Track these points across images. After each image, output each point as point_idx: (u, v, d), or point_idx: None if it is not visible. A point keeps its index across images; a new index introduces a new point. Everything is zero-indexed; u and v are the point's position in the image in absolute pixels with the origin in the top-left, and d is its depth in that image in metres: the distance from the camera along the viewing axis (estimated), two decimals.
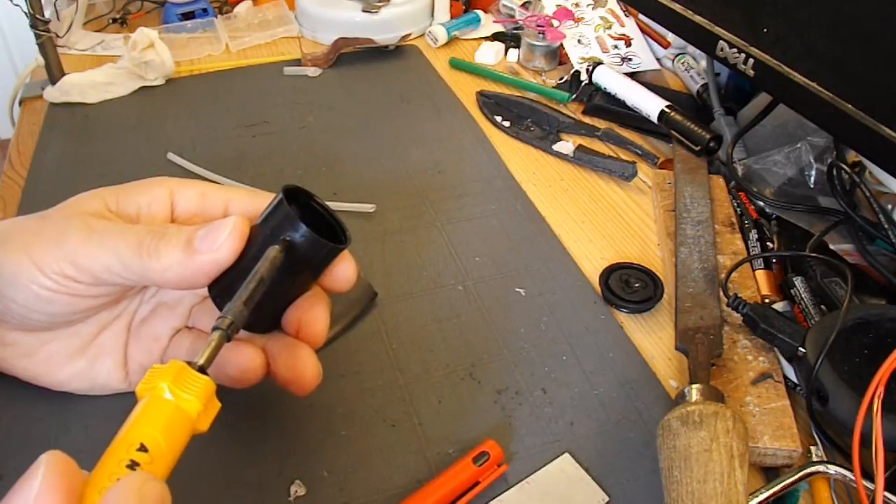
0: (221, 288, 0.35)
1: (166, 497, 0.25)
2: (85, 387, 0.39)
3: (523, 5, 0.89)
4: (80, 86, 0.72)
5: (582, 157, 0.65)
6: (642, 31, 0.84)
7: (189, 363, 0.29)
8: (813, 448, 0.40)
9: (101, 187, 0.38)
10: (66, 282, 0.34)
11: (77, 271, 0.34)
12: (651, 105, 0.67)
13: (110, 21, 0.92)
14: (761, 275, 0.51)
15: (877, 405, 0.34)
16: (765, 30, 0.50)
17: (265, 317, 0.37)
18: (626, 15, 0.85)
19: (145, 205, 0.37)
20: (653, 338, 0.48)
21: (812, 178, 0.57)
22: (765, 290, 0.50)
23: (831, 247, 0.52)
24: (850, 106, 0.44)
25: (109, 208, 0.37)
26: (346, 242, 0.36)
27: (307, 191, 0.36)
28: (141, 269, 0.33)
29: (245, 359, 0.37)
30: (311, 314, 0.37)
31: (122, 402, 0.40)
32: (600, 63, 0.75)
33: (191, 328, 0.41)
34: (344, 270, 0.37)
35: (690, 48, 0.79)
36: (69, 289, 0.34)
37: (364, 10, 0.86)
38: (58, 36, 0.76)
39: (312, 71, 0.79)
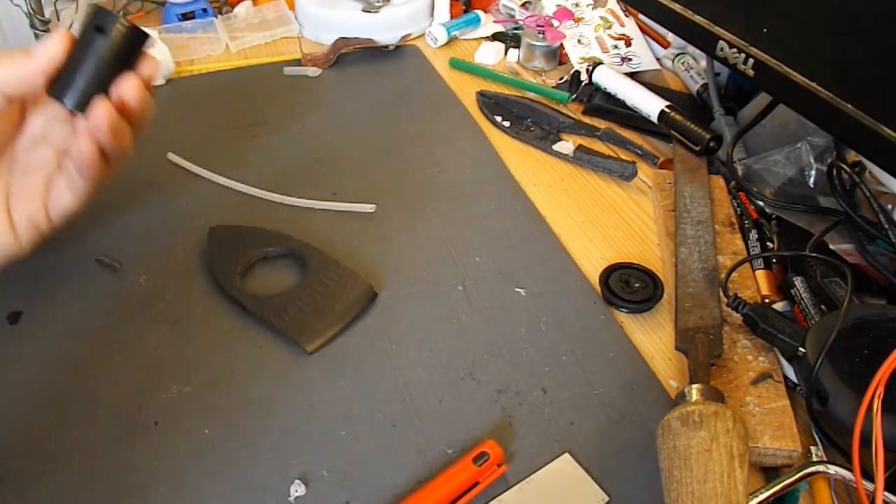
0: (58, 87, 0.41)
1: None
2: None
3: (523, 5, 0.89)
4: None
5: (582, 157, 0.65)
6: (642, 31, 0.84)
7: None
8: (813, 448, 0.40)
9: None
10: None
11: None
12: (651, 105, 0.67)
13: None
14: (761, 275, 0.51)
15: (877, 405, 0.34)
16: (765, 30, 0.50)
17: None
18: (626, 15, 0.85)
19: None
20: (653, 338, 0.48)
21: (812, 178, 0.57)
22: (765, 290, 0.50)
23: (831, 247, 0.52)
24: (850, 106, 0.44)
25: None
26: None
27: (114, 13, 0.41)
28: None
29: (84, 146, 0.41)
30: (126, 83, 0.42)
31: (122, 404, 0.40)
32: (600, 63, 0.75)
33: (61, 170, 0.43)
34: (147, 60, 0.44)
35: (690, 48, 0.79)
36: None
37: (364, 10, 0.86)
38: None
39: (312, 71, 0.79)
